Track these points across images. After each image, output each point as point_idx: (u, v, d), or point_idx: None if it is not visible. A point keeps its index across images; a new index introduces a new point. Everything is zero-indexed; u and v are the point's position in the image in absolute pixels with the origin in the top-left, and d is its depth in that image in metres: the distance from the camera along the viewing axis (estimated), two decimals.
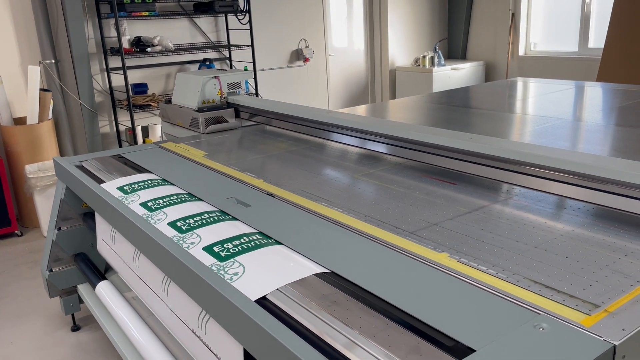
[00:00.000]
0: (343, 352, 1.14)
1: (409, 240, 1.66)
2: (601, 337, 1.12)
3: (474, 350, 1.10)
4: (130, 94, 5.17)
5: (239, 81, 3.68)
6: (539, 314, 1.22)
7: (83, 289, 2.92)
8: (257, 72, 6.12)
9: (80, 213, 2.88)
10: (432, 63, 7.26)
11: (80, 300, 3.03)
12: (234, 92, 3.65)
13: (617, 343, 1.10)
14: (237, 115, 3.55)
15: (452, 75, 7.27)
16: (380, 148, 2.63)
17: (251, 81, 5.99)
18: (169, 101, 3.86)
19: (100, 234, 2.47)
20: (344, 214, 1.89)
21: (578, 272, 1.40)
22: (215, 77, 3.56)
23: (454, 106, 3.91)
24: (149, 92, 5.51)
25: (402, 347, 1.13)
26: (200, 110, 3.42)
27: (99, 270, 2.78)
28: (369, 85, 7.72)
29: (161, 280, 1.83)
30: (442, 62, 7.29)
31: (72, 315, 3.05)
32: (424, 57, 7.30)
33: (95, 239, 2.61)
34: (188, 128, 3.54)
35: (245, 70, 5.76)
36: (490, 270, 1.44)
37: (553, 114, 3.37)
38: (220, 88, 3.56)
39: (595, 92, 4.23)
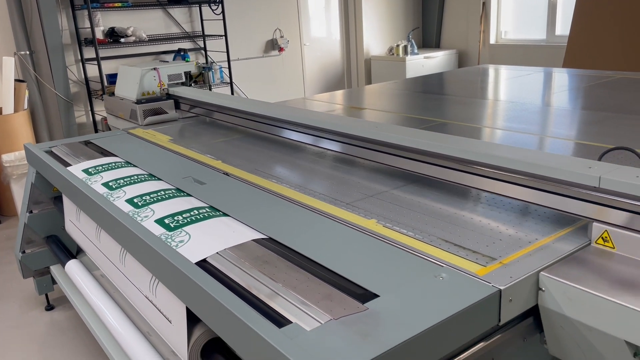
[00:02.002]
0: (265, 301, 1.29)
1: (344, 209, 1.81)
2: (490, 283, 1.28)
3: (378, 296, 1.26)
4: (105, 84, 5.26)
5: (179, 72, 3.67)
6: (442, 266, 1.38)
7: (55, 270, 3.04)
8: (232, 62, 6.23)
9: (50, 197, 3.00)
10: (406, 52, 7.40)
11: (54, 282, 3.16)
12: (176, 83, 3.65)
13: (502, 288, 1.26)
14: (177, 107, 3.54)
15: (426, 63, 7.43)
16: (325, 144, 2.52)
17: (226, 71, 6.10)
18: (112, 94, 3.86)
19: (67, 215, 2.60)
20: (290, 189, 2.04)
21: (485, 233, 1.56)
22: (154, 68, 3.55)
23: (427, 93, 4.05)
24: None
25: (316, 295, 1.28)
26: (139, 102, 3.43)
27: (69, 251, 2.90)
28: (345, 74, 7.85)
29: (119, 252, 1.97)
30: (415, 51, 7.44)
31: (46, 295, 3.17)
32: (398, 46, 7.44)
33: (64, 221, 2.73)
34: (128, 120, 3.55)
35: (187, 61, 5.76)
36: (409, 232, 1.59)
37: (523, 100, 3.51)
38: (160, 80, 3.55)
39: (561, 78, 4.39)
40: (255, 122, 2.94)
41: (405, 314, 1.18)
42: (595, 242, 1.45)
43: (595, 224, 1.45)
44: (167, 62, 3.94)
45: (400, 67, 7.32)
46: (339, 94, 4.60)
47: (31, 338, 2.89)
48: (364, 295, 1.27)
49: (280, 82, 7.04)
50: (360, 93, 4.62)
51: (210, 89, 6.27)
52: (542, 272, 1.33)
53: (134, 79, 3.58)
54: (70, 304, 3.14)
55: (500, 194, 1.71)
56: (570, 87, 3.94)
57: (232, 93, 6.28)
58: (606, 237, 1.42)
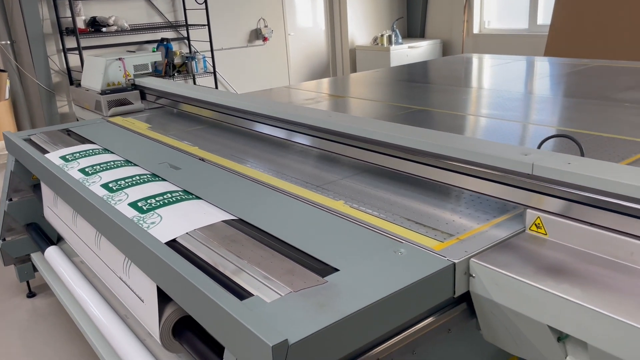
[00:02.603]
0: (230, 277, 1.34)
1: (314, 192, 1.86)
2: (445, 257, 1.33)
3: (338, 270, 1.31)
4: None
5: (145, 63, 3.61)
6: (402, 242, 1.43)
7: (36, 257, 3.06)
8: (216, 52, 6.23)
9: (30, 184, 3.02)
10: (390, 42, 7.44)
11: (35, 269, 3.18)
12: (142, 74, 3.60)
13: (456, 261, 1.32)
14: (143, 97, 3.50)
15: (410, 53, 7.47)
16: (296, 138, 2.48)
17: (209, 60, 6.11)
18: (79, 85, 3.81)
19: (45, 201, 2.62)
20: (264, 173, 2.08)
21: (446, 212, 1.62)
22: (119, 59, 3.51)
23: (411, 81, 4.09)
24: None
25: (279, 271, 1.33)
26: (103, 92, 3.39)
27: (49, 239, 2.93)
28: (330, 64, 7.88)
29: (94, 236, 2.00)
30: (400, 41, 7.48)
31: (27, 282, 3.19)
32: (382, 36, 7.48)
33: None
34: (93, 111, 3.52)
35: (154, 51, 5.72)
36: (374, 212, 1.64)
37: (506, 87, 3.56)
38: (125, 70, 3.50)
39: (543, 66, 4.45)
40: (219, 113, 2.93)
41: (362, 286, 1.23)
42: (529, 229, 1.46)
43: (529, 210, 1.46)
44: (134, 52, 3.89)
45: (384, 56, 7.36)
46: (324, 82, 4.63)
47: (12, 324, 2.92)
48: (325, 270, 1.32)
49: (265, 72, 7.05)
50: (344, 81, 4.65)
51: (194, 79, 6.28)
52: (472, 259, 1.34)
53: (98, 69, 3.51)
54: (51, 291, 3.17)
55: (445, 183, 1.74)
56: (549, 75, 4.01)
57: (216, 83, 6.29)
58: (539, 223, 1.44)
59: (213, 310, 1.21)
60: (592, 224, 1.35)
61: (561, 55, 5.72)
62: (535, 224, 1.45)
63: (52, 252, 2.69)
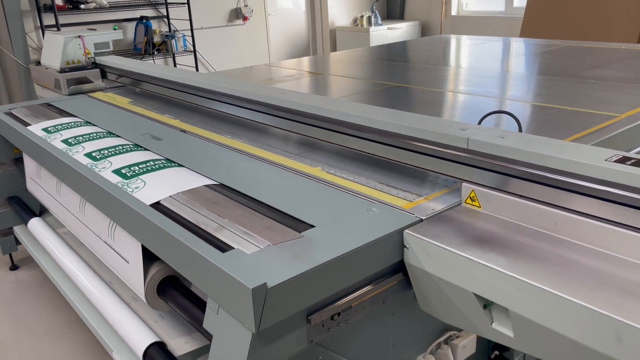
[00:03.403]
0: (212, 233, 1.42)
1: (292, 160, 1.94)
2: (414, 214, 1.43)
3: (314, 227, 1.40)
4: None
5: (106, 41, 3.55)
6: (374, 202, 1.53)
7: (18, 230, 3.09)
8: (196, 31, 6.22)
9: (11, 158, 3.04)
10: (370, 23, 7.50)
11: (18, 242, 3.21)
12: (102, 52, 3.53)
13: (423, 217, 1.42)
14: (104, 76, 3.45)
15: (389, 34, 7.54)
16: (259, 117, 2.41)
17: (189, 39, 6.10)
18: (38, 63, 3.73)
19: (28, 174, 2.66)
20: (244, 144, 2.16)
21: (416, 176, 1.72)
22: (78, 36, 3.43)
23: (390, 60, 4.16)
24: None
25: (259, 227, 1.41)
26: (62, 70, 3.32)
27: (32, 212, 2.96)
28: (310, 45, 7.91)
29: (78, 203, 2.06)
30: (379, 22, 7.54)
31: (10, 255, 3.23)
32: (362, 17, 7.52)
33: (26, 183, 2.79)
34: (53, 90, 3.45)
35: (115, 29, 5.63)
36: (349, 177, 1.74)
37: (480, 66, 3.65)
38: (85, 48, 3.42)
39: (517, 47, 4.56)
40: (179, 92, 2.86)
41: (336, 240, 1.32)
42: (465, 202, 1.49)
43: (464, 184, 1.49)
44: (95, 30, 3.80)
45: (364, 37, 7.42)
46: (304, 60, 4.68)
47: None
48: (302, 226, 1.41)
49: (245, 52, 7.07)
50: (325, 60, 4.70)
51: (174, 58, 6.27)
52: (405, 231, 1.36)
53: (57, 47, 3.42)
54: (35, 264, 3.21)
55: (391, 159, 1.76)
56: (523, 54, 4.12)
57: (196, 62, 6.29)
58: (473, 196, 1.47)
59: (197, 262, 1.29)
60: (521, 196, 1.37)
61: (536, 36, 5.85)
62: (470, 197, 1.48)
63: (35, 223, 2.73)
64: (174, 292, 1.66)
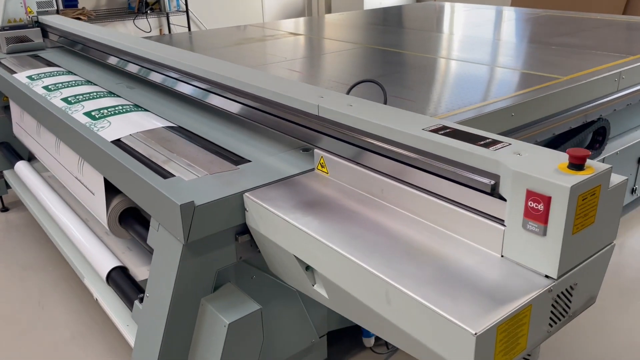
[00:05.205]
0: (161, 165, 1.60)
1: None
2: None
3: (250, 161, 1.58)
4: (61, 7, 5.33)
5: (50, 0, 3.46)
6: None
7: (8, 174, 3.29)
8: None
9: (1, 106, 3.21)
10: None
11: (8, 187, 3.42)
12: (45, 11, 3.44)
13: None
14: (46, 35, 3.40)
15: (383, 1, 7.57)
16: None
17: None
18: None
19: (14, 118, 2.84)
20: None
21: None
22: None
23: (386, 25, 4.25)
24: (79, 6, 5.66)
25: (202, 161, 1.59)
26: (2, 29, 3.27)
27: (21, 157, 3.15)
28: (305, 6, 7.96)
29: (54, 143, 2.24)
30: None
31: (1, 198, 3.44)
32: None
33: None
34: None
35: None
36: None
37: (461, 32, 3.73)
38: (26, 6, 3.32)
39: (503, 15, 4.63)
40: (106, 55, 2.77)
41: (266, 172, 1.50)
42: (317, 168, 1.53)
43: (315, 150, 1.52)
44: None
45: (358, 1, 7.46)
46: (292, 22, 4.72)
47: None
48: (240, 161, 1.59)
49: (239, 12, 7.13)
50: (319, 21, 4.76)
51: (167, 18, 6.36)
52: (245, 194, 1.38)
53: None
54: (24, 207, 3.42)
55: (253, 121, 1.78)
56: (507, 21, 4.21)
57: (188, 21, 6.38)
58: (322, 163, 1.50)
59: (143, 187, 1.48)
60: (357, 163, 1.40)
61: (526, 6, 5.91)
62: (320, 164, 1.51)
63: (21, 166, 2.93)
64: (134, 222, 1.85)
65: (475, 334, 0.88)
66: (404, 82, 2.41)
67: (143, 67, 2.44)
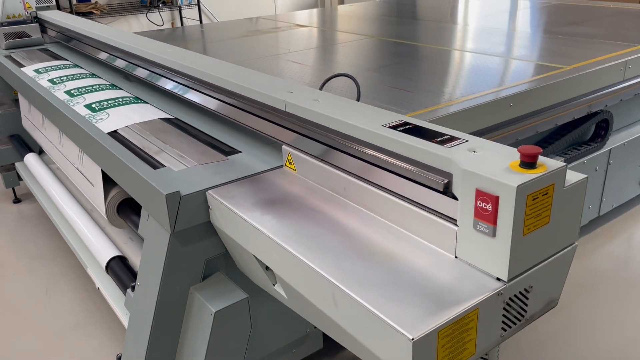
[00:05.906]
0: (153, 156, 1.63)
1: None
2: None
3: (240, 152, 1.59)
4: (74, 1, 5.40)
5: None
6: None
7: (20, 166, 3.37)
8: None
9: (13, 99, 3.28)
10: None
11: (20, 178, 3.49)
12: (45, 7, 3.46)
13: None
14: (44, 31, 3.41)
15: None
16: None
17: None
18: None
19: (22, 110, 2.90)
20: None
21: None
22: None
23: (400, 16, 4.21)
24: (92, 0, 5.73)
25: (193, 152, 1.61)
26: (0, 24, 3.28)
27: (31, 149, 3.22)
28: None
29: (57, 135, 2.29)
30: None
31: (13, 190, 3.52)
32: None
33: None
34: None
35: None
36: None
37: (490, 25, 3.65)
38: (24, 2, 3.34)
39: (517, 3, 4.56)
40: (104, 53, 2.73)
41: (253, 163, 1.51)
42: (285, 165, 1.49)
43: (284, 147, 1.48)
44: None
45: None
46: (314, 14, 4.68)
47: (0, 226, 3.26)
48: (231, 152, 1.61)
49: (250, 3, 7.14)
50: (332, 13, 4.73)
51: (180, 11, 6.40)
52: (207, 192, 1.35)
53: None
54: (35, 198, 3.50)
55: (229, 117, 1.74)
56: (513, 11, 4.15)
57: (200, 14, 6.41)
58: (290, 159, 1.46)
59: (133, 178, 1.50)
60: (322, 160, 1.36)
61: None
62: (288, 160, 1.48)
63: (30, 158, 2.99)
64: (130, 212, 1.88)
65: (413, 339, 0.84)
66: (406, 73, 2.40)
67: (130, 62, 2.45)
